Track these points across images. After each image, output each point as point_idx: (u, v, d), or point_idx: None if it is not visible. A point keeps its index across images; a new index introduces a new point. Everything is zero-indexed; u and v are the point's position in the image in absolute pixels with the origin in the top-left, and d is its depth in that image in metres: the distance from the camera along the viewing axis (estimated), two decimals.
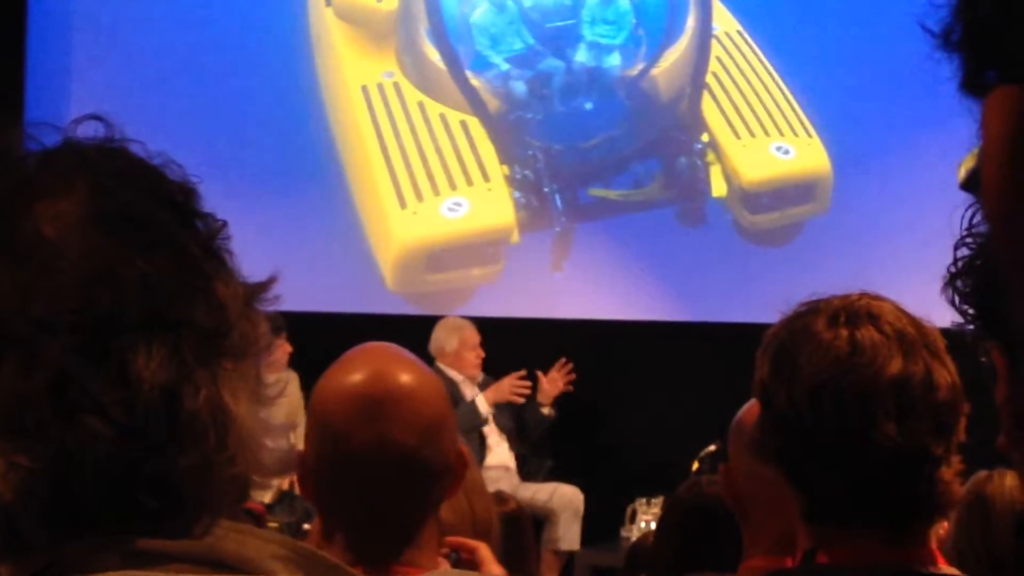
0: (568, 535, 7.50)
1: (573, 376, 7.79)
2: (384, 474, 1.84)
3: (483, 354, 7.73)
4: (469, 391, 7.66)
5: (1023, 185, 0.42)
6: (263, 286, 1.04)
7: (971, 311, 1.00)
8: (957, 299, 1.02)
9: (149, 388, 0.92)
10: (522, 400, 7.68)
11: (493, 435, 7.69)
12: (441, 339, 7.72)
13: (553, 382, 7.77)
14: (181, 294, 0.96)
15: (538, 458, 7.87)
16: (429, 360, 7.60)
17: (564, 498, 7.55)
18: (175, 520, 0.94)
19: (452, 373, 7.60)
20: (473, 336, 7.72)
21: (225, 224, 1.03)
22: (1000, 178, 0.42)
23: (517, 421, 7.79)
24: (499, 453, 7.62)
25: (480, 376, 7.77)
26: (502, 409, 7.71)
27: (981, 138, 0.43)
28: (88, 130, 1.02)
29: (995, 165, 0.42)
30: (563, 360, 7.79)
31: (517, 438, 7.80)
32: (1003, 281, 0.43)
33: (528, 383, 7.67)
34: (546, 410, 7.77)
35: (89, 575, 0.91)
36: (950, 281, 1.03)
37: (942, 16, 0.46)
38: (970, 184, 0.46)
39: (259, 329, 1.02)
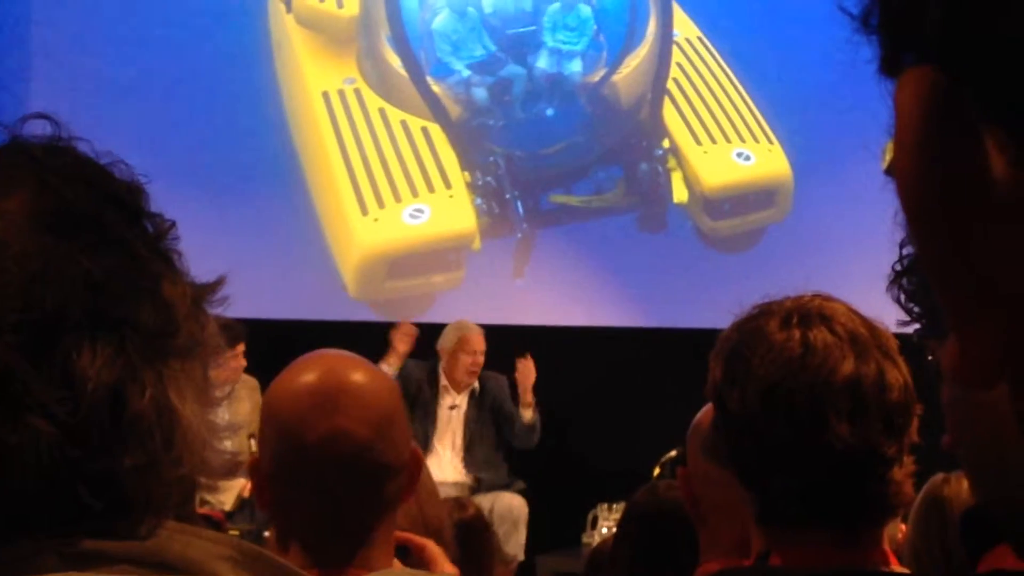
0: (511, 542, 7.48)
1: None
2: (338, 468, 1.85)
3: (481, 361, 7.72)
4: (448, 399, 7.67)
5: (931, 167, 0.42)
6: (212, 287, 1.03)
7: (916, 309, 1.00)
8: (902, 297, 1.02)
9: (94, 388, 0.92)
10: (465, 382, 7.70)
11: (447, 451, 7.69)
12: (445, 337, 7.75)
13: (527, 369, 7.77)
14: (127, 293, 0.95)
15: (511, 478, 7.85)
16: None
17: (503, 508, 7.53)
18: (120, 521, 0.93)
19: (443, 378, 7.64)
20: (474, 341, 7.70)
21: (174, 224, 1.03)
22: (910, 161, 0.42)
23: (499, 435, 7.79)
24: (442, 466, 7.57)
25: (474, 383, 7.76)
26: (474, 430, 7.71)
27: (893, 121, 0.43)
28: (36, 129, 1.01)
29: (906, 148, 0.42)
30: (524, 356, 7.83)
31: (502, 454, 7.80)
32: (921, 268, 0.43)
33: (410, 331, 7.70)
34: (528, 414, 7.76)
35: None
36: (895, 279, 1.03)
37: None
38: (892, 169, 0.46)
39: (207, 330, 1.01)
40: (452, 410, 7.71)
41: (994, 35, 0.40)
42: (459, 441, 7.72)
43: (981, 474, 0.48)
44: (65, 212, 0.96)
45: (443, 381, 7.69)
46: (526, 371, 7.78)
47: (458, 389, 7.73)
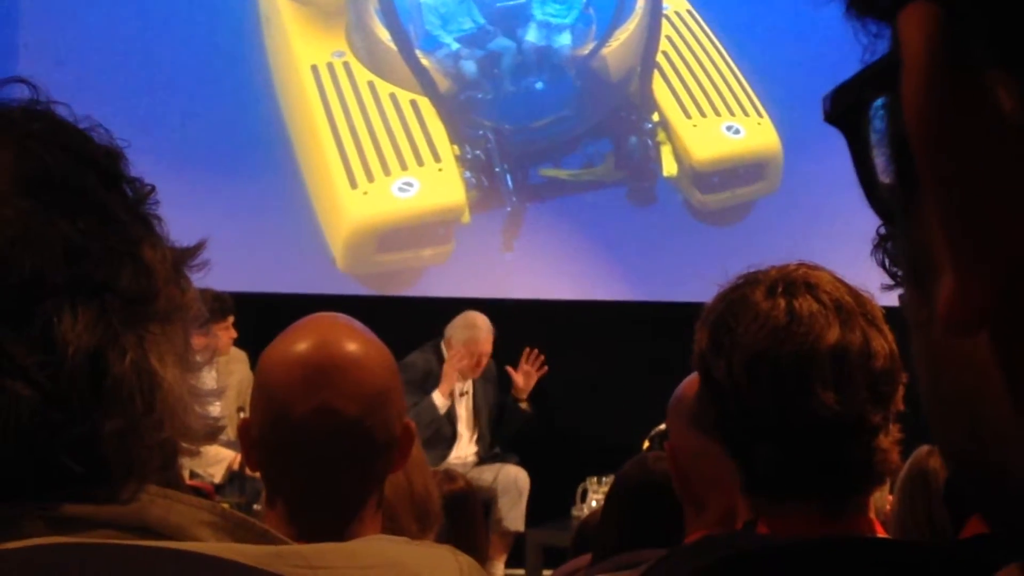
0: (512, 515, 7.50)
1: (543, 361, 7.79)
2: (326, 444, 1.83)
3: (484, 362, 7.69)
4: (458, 385, 7.66)
5: (942, 103, 0.41)
6: (192, 251, 1.02)
7: (900, 273, 0.99)
8: (886, 261, 1.02)
9: (74, 352, 0.91)
10: (468, 376, 7.68)
11: (466, 433, 7.71)
12: (455, 328, 7.67)
13: (527, 375, 7.77)
14: (106, 258, 0.94)
15: (504, 452, 7.87)
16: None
17: (508, 478, 7.56)
18: (101, 486, 0.93)
19: (445, 365, 7.62)
20: (483, 342, 7.63)
21: (153, 188, 1.02)
22: (919, 97, 0.41)
23: (496, 419, 7.80)
24: (463, 446, 7.64)
25: (470, 377, 7.74)
26: (481, 409, 7.72)
27: (903, 58, 0.42)
28: (14, 93, 1.01)
29: (915, 85, 0.42)
30: (528, 350, 7.78)
31: (494, 435, 7.81)
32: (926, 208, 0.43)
33: (465, 358, 7.64)
34: (524, 405, 7.77)
35: (13, 542, 0.90)
36: (879, 243, 1.03)
37: None
38: (838, 113, 0.45)
39: (188, 294, 1.00)
40: (463, 396, 7.71)
41: None
42: (473, 424, 7.74)
43: (951, 433, 0.47)
44: (43, 176, 0.95)
45: (446, 369, 7.66)
46: (528, 375, 7.76)
47: (465, 379, 7.72)
